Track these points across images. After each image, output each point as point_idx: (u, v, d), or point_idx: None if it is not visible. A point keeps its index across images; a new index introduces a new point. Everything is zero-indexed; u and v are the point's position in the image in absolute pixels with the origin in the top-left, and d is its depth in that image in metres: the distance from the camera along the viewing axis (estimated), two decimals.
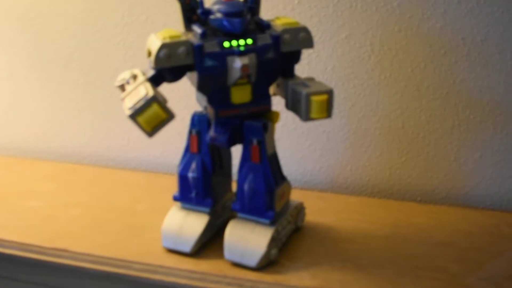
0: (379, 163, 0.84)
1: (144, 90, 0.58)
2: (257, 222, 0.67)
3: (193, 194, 0.69)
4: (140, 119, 0.57)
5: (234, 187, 0.71)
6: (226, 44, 0.61)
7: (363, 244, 0.71)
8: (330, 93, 0.62)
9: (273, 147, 0.67)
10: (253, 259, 0.65)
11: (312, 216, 0.76)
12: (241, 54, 0.61)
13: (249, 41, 0.62)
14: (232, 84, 0.63)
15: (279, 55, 0.63)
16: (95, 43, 0.88)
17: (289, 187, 0.70)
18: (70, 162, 0.96)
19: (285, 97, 0.66)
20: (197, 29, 0.61)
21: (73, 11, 0.87)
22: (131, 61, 0.88)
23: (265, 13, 0.66)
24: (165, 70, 0.62)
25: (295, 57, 0.66)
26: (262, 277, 0.64)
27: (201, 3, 0.62)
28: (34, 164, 0.94)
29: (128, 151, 0.94)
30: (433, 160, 0.82)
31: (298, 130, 0.85)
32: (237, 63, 0.61)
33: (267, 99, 0.66)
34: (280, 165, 0.68)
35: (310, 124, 0.84)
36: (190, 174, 0.69)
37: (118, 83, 0.63)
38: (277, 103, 0.68)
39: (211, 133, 0.65)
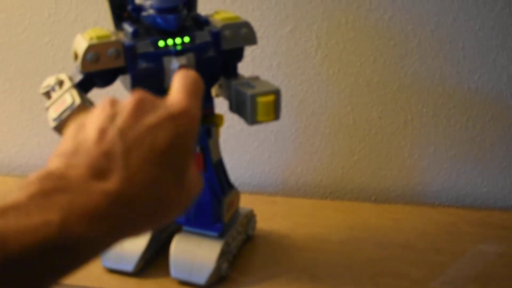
0: (330, 162, 0.80)
1: (70, 98, 0.52)
2: (205, 235, 0.62)
3: None
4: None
5: None
6: (161, 43, 0.55)
7: (318, 251, 0.67)
8: (277, 93, 0.57)
9: (218, 153, 0.62)
10: (202, 276, 0.60)
11: (263, 222, 0.71)
12: (178, 53, 0.55)
13: (186, 39, 0.56)
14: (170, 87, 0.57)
15: (220, 53, 0.58)
16: (20, 45, 0.81)
17: (237, 195, 0.65)
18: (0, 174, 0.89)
19: (229, 98, 0.61)
20: (128, 28, 0.55)
21: None
22: (61, 63, 0.81)
23: (203, 8, 0.61)
24: (94, 74, 0.55)
25: (238, 55, 0.61)
26: None
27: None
28: None
29: None
30: (386, 157, 0.79)
31: (245, 131, 0.80)
32: (174, 63, 0.55)
33: (209, 101, 0.61)
34: (227, 172, 0.63)
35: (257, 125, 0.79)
36: None
37: (43, 90, 0.56)
38: (221, 104, 0.63)
39: None
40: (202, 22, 0.58)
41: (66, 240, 0.26)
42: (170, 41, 0.56)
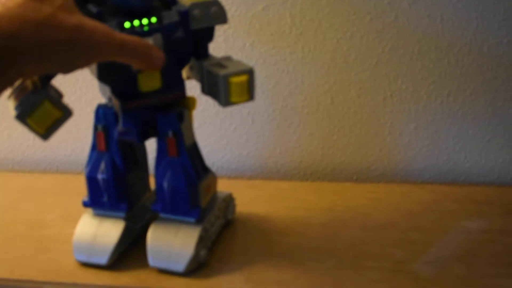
0: (309, 143, 0.78)
1: (32, 85, 0.49)
2: (182, 222, 0.60)
3: (105, 198, 0.61)
4: (30, 120, 0.48)
5: (152, 184, 0.63)
6: (127, 24, 0.52)
7: (299, 235, 0.65)
8: (250, 73, 0.55)
9: (192, 137, 0.60)
10: (181, 263, 0.58)
11: (242, 207, 0.69)
12: (144, 34, 0.52)
13: (153, 19, 0.53)
14: (139, 71, 0.54)
15: (189, 33, 0.55)
16: None
17: (214, 178, 0.63)
18: None
19: (201, 80, 0.58)
20: (92, 9, 0.52)
21: None
22: None
23: None
24: None
25: (208, 34, 0.58)
26: (190, 284, 0.57)
27: None
28: None
29: (35, 151, 0.84)
30: (366, 136, 0.77)
31: (221, 114, 0.78)
32: None
33: (180, 84, 0.58)
34: (202, 156, 0.61)
35: (233, 106, 0.76)
36: (100, 176, 0.60)
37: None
38: (193, 87, 0.61)
39: (119, 127, 0.57)
40: (169, 2, 0.55)
41: None
42: (136, 22, 0.53)
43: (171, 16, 0.54)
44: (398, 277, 0.58)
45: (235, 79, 0.54)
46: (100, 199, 0.61)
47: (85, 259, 0.61)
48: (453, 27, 0.71)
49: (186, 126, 0.58)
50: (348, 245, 0.63)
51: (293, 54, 0.74)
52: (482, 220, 0.67)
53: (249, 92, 0.56)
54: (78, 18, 0.43)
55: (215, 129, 0.78)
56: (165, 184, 0.59)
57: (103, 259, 0.60)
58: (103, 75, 0.54)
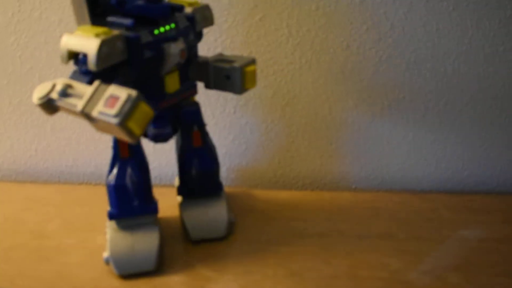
0: (308, 153, 0.78)
1: (120, 92, 0.50)
2: (206, 198, 0.68)
3: (135, 203, 0.62)
4: (131, 123, 0.49)
5: None
6: (156, 31, 0.56)
7: (296, 245, 0.65)
8: (255, 62, 0.63)
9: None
10: (220, 229, 0.66)
11: (240, 217, 0.70)
12: (173, 39, 0.57)
13: (173, 25, 0.57)
14: (166, 73, 0.58)
15: (195, 35, 0.61)
16: None
17: None
18: None
19: (204, 78, 0.63)
20: (123, 20, 0.54)
21: None
22: (28, 63, 0.79)
23: None
24: (100, 72, 0.53)
25: (200, 36, 0.64)
26: None
27: None
28: None
29: (37, 163, 0.85)
30: (365, 145, 0.77)
31: (220, 124, 0.78)
32: (175, 48, 0.56)
33: (192, 82, 0.63)
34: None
35: (231, 117, 0.77)
36: (129, 182, 0.61)
37: (41, 101, 0.52)
38: None
39: (152, 130, 0.61)
40: (178, 8, 0.58)
41: None
42: (162, 29, 0.56)
43: (183, 21, 0.59)
44: (394, 287, 0.58)
45: (249, 69, 0.62)
46: (128, 205, 0.62)
47: (129, 270, 0.61)
48: (448, 36, 0.71)
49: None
50: (345, 254, 0.63)
51: (290, 65, 0.74)
52: (480, 229, 0.67)
53: (256, 80, 0.63)
54: None
55: (214, 139, 0.78)
56: (193, 172, 0.66)
57: (149, 266, 0.61)
58: (139, 81, 0.56)
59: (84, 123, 0.80)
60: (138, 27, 0.55)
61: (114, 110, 0.49)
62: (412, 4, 0.70)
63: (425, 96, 0.74)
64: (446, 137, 0.76)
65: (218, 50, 0.74)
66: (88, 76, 0.53)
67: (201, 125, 0.65)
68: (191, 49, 0.61)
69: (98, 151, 0.82)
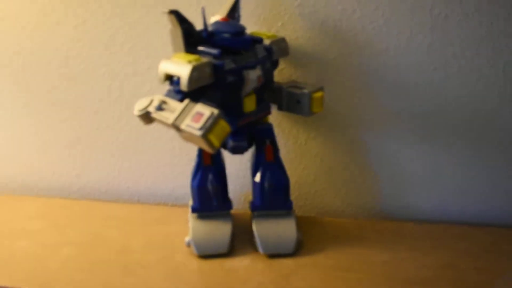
0: (373, 185, 0.82)
1: (205, 110, 0.61)
2: (277, 214, 0.75)
3: (214, 203, 0.75)
4: (212, 136, 0.60)
5: None
6: (238, 60, 0.66)
7: (362, 271, 0.69)
8: (323, 89, 0.73)
9: None
10: (289, 246, 0.73)
11: (310, 242, 0.75)
12: (252, 67, 0.67)
13: (252, 55, 0.68)
14: (245, 95, 0.68)
15: (272, 64, 0.71)
16: (79, 75, 0.87)
17: None
18: (60, 197, 0.94)
19: (278, 101, 0.74)
20: (211, 50, 0.65)
21: (55, 45, 0.86)
22: (117, 92, 0.86)
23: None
24: (191, 92, 0.63)
25: (276, 64, 0.75)
26: None
27: (205, 26, 0.66)
28: (21, 201, 0.92)
29: (119, 183, 0.92)
30: (430, 178, 0.81)
31: (291, 154, 0.83)
32: (253, 75, 0.66)
33: (267, 104, 0.73)
34: None
35: (302, 148, 0.82)
36: (210, 186, 0.74)
37: (140, 112, 0.64)
38: None
39: (231, 143, 0.71)
40: (258, 41, 0.70)
41: None
42: (243, 58, 0.67)
43: (261, 51, 0.68)
44: None
45: (316, 95, 0.71)
46: (208, 203, 0.75)
47: (206, 252, 0.73)
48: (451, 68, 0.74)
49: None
50: (407, 282, 0.67)
51: (355, 108, 0.79)
52: None
53: (323, 104, 0.73)
54: None
55: (285, 168, 0.84)
56: (266, 184, 0.73)
57: (223, 249, 0.74)
58: (222, 101, 0.66)
59: (164, 149, 0.87)
60: (224, 55, 0.65)
61: (198, 125, 0.60)
62: (480, 47, 0.73)
63: (493, 133, 0.77)
64: (507, 174, 0.78)
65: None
66: (180, 95, 0.64)
67: (273, 140, 0.73)
68: (268, 76, 0.70)
69: (175, 174, 0.89)
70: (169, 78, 0.64)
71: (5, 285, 0.70)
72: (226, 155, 0.76)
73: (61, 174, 0.94)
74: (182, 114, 0.62)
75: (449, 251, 0.73)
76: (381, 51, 0.75)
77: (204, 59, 0.64)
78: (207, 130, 0.60)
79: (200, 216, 0.76)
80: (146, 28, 0.81)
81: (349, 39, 0.76)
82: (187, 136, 0.62)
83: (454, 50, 0.74)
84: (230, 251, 0.74)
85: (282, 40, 0.73)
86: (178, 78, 0.62)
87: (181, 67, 0.62)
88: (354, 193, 0.84)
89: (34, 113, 0.91)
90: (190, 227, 0.75)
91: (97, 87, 0.87)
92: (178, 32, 0.65)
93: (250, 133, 0.73)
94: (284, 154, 0.83)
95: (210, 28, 0.67)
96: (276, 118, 0.81)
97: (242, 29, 0.67)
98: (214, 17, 0.71)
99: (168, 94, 0.64)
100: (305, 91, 0.71)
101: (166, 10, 0.64)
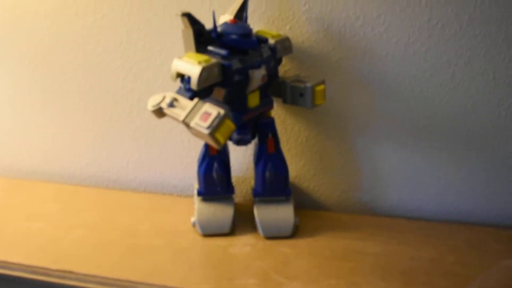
0: (369, 182, 0.87)
1: (212, 110, 0.66)
2: (276, 200, 0.81)
3: (218, 188, 0.81)
4: (218, 134, 0.66)
5: None
6: (244, 60, 0.71)
7: (356, 261, 0.74)
8: (324, 82, 0.78)
9: None
10: (288, 229, 0.80)
11: (308, 233, 0.80)
12: (258, 66, 0.72)
13: (257, 55, 0.73)
14: (250, 92, 0.73)
15: (276, 62, 0.76)
16: (94, 68, 0.92)
17: None
18: (72, 184, 0.99)
19: (282, 94, 0.79)
20: (220, 51, 0.70)
21: (73, 36, 0.91)
22: (130, 85, 0.91)
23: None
24: (200, 90, 0.68)
25: (280, 61, 0.80)
26: None
27: (215, 28, 0.71)
28: (36, 186, 0.97)
29: (128, 172, 0.97)
30: (423, 178, 0.85)
31: (292, 151, 0.88)
32: (258, 74, 0.72)
33: (270, 99, 0.79)
34: None
35: (303, 145, 0.87)
36: (214, 174, 0.80)
37: (153, 108, 0.69)
38: None
39: (235, 136, 0.76)
40: (263, 40, 0.75)
41: None
42: (249, 58, 0.72)
43: (266, 51, 0.74)
44: None
45: (319, 88, 0.76)
46: (213, 188, 0.81)
47: (210, 231, 0.80)
48: (504, 84, 0.79)
49: None
50: (399, 272, 0.71)
51: (358, 106, 0.83)
52: None
53: (325, 97, 0.78)
54: None
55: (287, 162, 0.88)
56: (267, 174, 0.79)
57: (225, 229, 0.80)
58: (228, 98, 0.72)
59: (172, 142, 0.92)
60: (231, 55, 0.70)
61: (206, 123, 0.66)
62: (472, 55, 0.78)
63: (480, 137, 0.81)
64: (500, 176, 0.83)
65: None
66: (190, 93, 0.69)
67: (275, 134, 0.79)
68: (272, 73, 0.75)
69: (183, 166, 0.93)
70: (180, 76, 0.69)
71: (21, 261, 0.75)
72: (230, 145, 0.82)
73: (73, 162, 0.99)
74: (191, 112, 0.67)
75: (438, 246, 0.77)
76: (381, 56, 0.80)
77: (213, 60, 0.69)
78: (214, 129, 0.66)
79: (204, 199, 0.82)
80: (160, 26, 0.86)
81: (351, 44, 0.81)
82: (195, 132, 0.67)
83: (449, 57, 0.79)
84: (232, 232, 0.81)
85: (286, 39, 0.78)
86: (189, 77, 0.67)
87: (192, 67, 0.67)
88: (351, 189, 0.88)
89: (50, 102, 0.96)
90: (195, 208, 0.81)
91: (111, 80, 0.92)
92: (190, 33, 0.71)
93: (253, 127, 0.78)
94: (286, 150, 0.88)
95: (219, 29, 0.72)
96: (279, 115, 0.86)
97: (249, 31, 0.72)
98: (223, 16, 0.76)
99: (179, 92, 0.69)
100: (308, 84, 0.76)
101: (179, 12, 0.69)
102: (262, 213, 0.80)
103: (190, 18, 0.70)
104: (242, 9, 0.76)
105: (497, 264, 0.73)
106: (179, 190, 0.95)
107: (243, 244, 0.78)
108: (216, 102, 0.71)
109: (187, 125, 0.67)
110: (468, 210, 0.85)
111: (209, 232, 0.80)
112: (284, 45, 0.78)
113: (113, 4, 0.87)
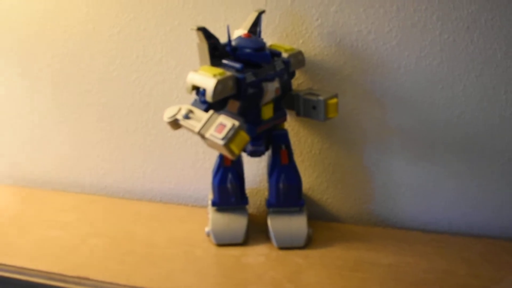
0: (383, 193, 0.88)
1: (227, 121, 0.68)
2: (290, 211, 0.82)
3: (233, 199, 0.83)
4: (232, 145, 0.67)
5: None
6: (258, 73, 0.73)
7: (369, 272, 0.75)
8: (337, 96, 0.79)
9: None
10: (301, 240, 0.80)
11: (321, 244, 0.81)
12: (272, 79, 0.74)
13: (271, 68, 0.74)
14: (264, 104, 0.74)
15: (289, 75, 0.78)
16: (111, 81, 0.94)
17: None
18: (89, 194, 1.01)
19: (295, 107, 0.80)
20: (234, 64, 0.72)
21: (92, 50, 0.93)
22: (146, 98, 0.93)
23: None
24: (215, 102, 0.70)
25: (293, 74, 0.81)
26: None
27: (229, 42, 0.73)
28: (54, 195, 0.99)
29: (144, 183, 0.98)
30: (434, 190, 0.86)
31: (306, 163, 0.89)
32: (271, 87, 0.74)
33: (284, 111, 0.80)
34: None
35: (316, 157, 0.88)
36: (229, 185, 0.82)
37: (169, 119, 0.70)
38: None
39: (249, 147, 0.78)
40: (277, 54, 0.76)
41: None
42: (263, 71, 0.73)
43: (280, 64, 0.75)
44: None
45: (331, 101, 0.77)
46: (227, 198, 0.83)
47: (223, 241, 0.81)
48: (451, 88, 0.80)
49: None
50: (411, 283, 0.72)
51: (374, 119, 0.85)
52: None
53: (337, 110, 0.78)
54: None
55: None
56: (281, 185, 0.80)
57: (239, 239, 0.82)
58: (243, 110, 0.73)
59: (187, 153, 0.93)
60: (245, 69, 0.72)
61: (221, 135, 0.67)
62: (484, 69, 0.79)
63: (493, 149, 0.82)
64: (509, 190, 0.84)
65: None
66: (205, 105, 0.70)
67: (288, 145, 0.80)
68: (285, 86, 0.77)
69: (197, 177, 0.95)
70: (196, 88, 0.71)
71: (38, 268, 0.77)
72: (245, 157, 0.83)
73: (90, 172, 1.01)
74: (207, 123, 0.68)
75: (451, 258, 0.78)
76: (393, 70, 0.81)
77: (228, 73, 0.70)
78: (229, 140, 0.67)
79: (219, 209, 0.84)
80: (176, 41, 0.88)
81: (363, 58, 0.82)
82: (210, 143, 0.69)
83: (460, 71, 0.80)
84: (246, 242, 0.82)
85: (300, 53, 0.79)
86: (204, 90, 0.69)
87: (207, 80, 0.69)
88: (363, 201, 0.89)
89: (68, 114, 0.98)
90: (209, 218, 0.83)
91: (128, 92, 0.93)
92: (205, 47, 0.72)
93: (267, 138, 0.79)
94: (299, 162, 0.89)
95: (233, 43, 0.73)
96: (293, 128, 0.87)
97: (263, 45, 0.74)
98: (238, 31, 0.78)
99: (195, 104, 0.71)
100: (321, 98, 0.77)
101: (195, 27, 0.71)
102: (275, 224, 0.81)
103: (205, 32, 0.72)
104: (256, 23, 0.78)
105: (509, 276, 0.73)
106: (193, 201, 0.97)
107: (257, 254, 0.79)
108: (231, 114, 0.73)
109: (202, 136, 0.68)
110: (482, 222, 0.86)
111: (223, 242, 0.81)
112: (297, 59, 0.79)
113: (130, 19, 0.89)
